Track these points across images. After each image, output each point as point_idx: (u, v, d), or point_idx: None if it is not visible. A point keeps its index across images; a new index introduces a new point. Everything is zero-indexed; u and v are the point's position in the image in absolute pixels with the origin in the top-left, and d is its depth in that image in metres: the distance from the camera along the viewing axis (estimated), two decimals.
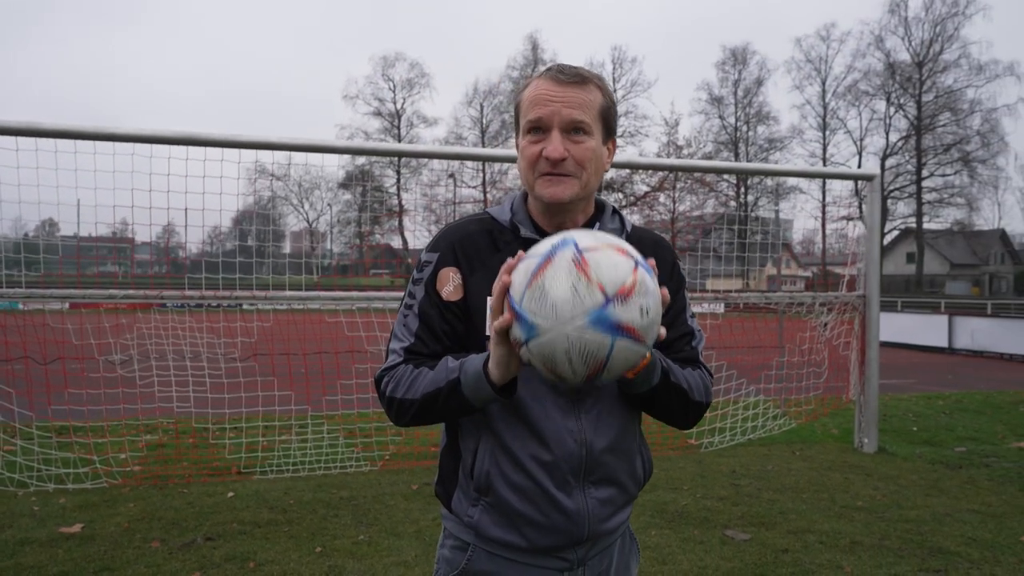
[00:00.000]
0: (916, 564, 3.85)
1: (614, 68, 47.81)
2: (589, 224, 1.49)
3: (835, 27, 60.18)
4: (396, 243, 41.43)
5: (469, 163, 42.74)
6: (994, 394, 10.29)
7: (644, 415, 1.53)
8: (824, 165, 43.78)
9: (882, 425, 7.15)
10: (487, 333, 1.37)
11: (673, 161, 8.82)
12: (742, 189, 47.71)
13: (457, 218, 1.55)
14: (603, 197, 1.55)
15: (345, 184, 48.19)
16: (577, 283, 1.09)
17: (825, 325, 6.94)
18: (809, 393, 6.97)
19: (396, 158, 45.39)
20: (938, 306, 28.53)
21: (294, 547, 4.00)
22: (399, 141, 46.39)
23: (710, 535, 4.27)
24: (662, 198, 41.20)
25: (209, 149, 5.13)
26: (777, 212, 50.23)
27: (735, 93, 49.93)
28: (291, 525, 4.36)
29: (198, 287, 5.38)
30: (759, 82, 49.40)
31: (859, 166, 44.95)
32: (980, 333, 17.36)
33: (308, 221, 51.50)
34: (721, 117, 50.29)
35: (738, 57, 49.55)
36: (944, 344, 17.93)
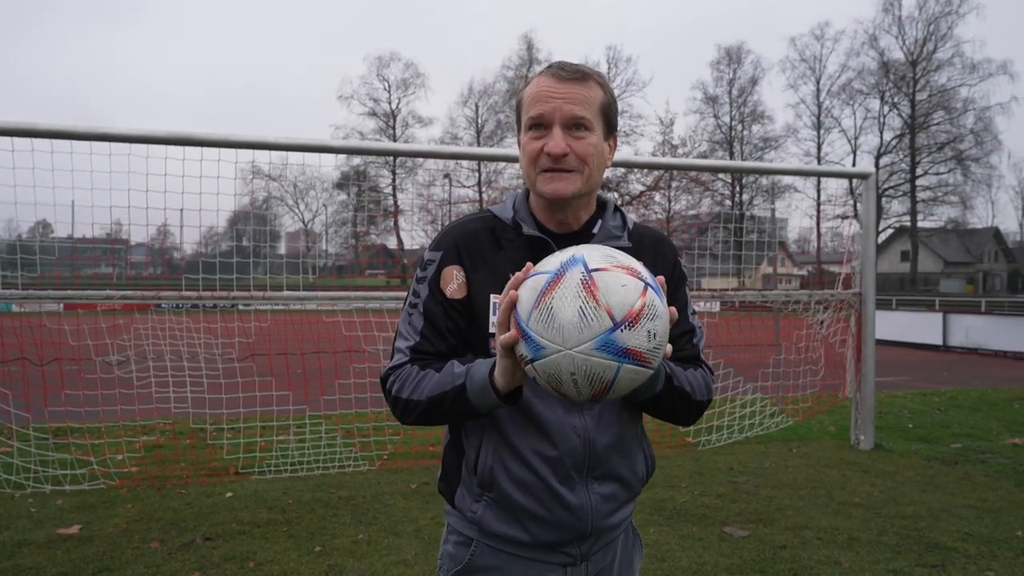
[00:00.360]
0: (913, 559, 3.87)
1: (609, 67, 47.82)
2: (591, 222, 1.49)
3: (829, 26, 60.63)
4: (392, 243, 41.39)
5: (464, 163, 42.71)
6: (989, 391, 10.34)
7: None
8: (819, 164, 43.84)
9: (878, 422, 7.18)
10: (491, 331, 1.38)
11: (668, 160, 8.86)
12: (737, 188, 47.82)
13: (456, 217, 1.55)
14: (605, 195, 1.54)
15: (341, 184, 48.18)
16: (585, 306, 1.07)
17: (821, 323, 6.97)
18: (806, 391, 7.00)
19: (391, 158, 45.42)
20: (932, 304, 28.60)
21: (293, 547, 4.00)
22: (394, 141, 46.32)
23: (708, 532, 4.29)
24: (657, 197, 41.33)
25: (205, 149, 5.13)
26: (772, 211, 50.37)
27: (730, 92, 50.01)
28: (290, 525, 4.36)
29: (195, 287, 5.37)
30: (754, 81, 49.51)
31: (853, 165, 45.02)
32: (974, 330, 17.46)
33: (304, 222, 51.46)
34: (716, 116, 50.34)
35: (732, 56, 49.61)
36: (939, 342, 18.03)
